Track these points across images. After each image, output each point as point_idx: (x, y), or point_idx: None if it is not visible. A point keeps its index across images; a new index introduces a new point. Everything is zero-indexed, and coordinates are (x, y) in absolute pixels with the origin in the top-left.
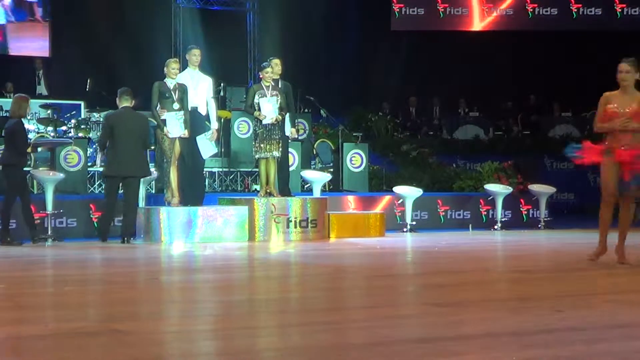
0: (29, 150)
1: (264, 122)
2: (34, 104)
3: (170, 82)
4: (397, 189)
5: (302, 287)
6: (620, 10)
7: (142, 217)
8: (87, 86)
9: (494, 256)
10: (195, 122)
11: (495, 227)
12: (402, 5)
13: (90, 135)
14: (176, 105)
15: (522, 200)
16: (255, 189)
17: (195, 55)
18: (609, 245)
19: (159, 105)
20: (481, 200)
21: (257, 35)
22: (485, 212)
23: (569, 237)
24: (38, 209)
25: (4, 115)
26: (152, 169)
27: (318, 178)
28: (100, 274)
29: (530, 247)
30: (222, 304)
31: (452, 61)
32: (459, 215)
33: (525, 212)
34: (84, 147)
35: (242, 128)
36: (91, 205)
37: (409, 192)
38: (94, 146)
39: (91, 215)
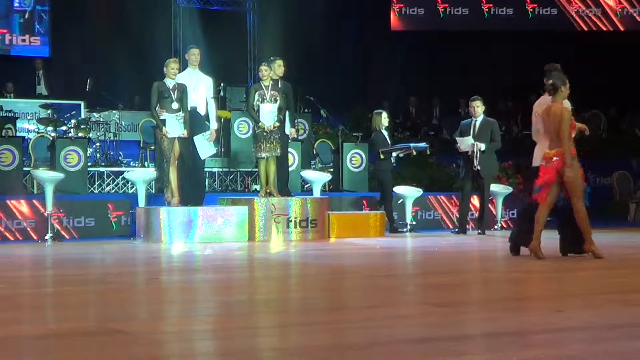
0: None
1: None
2: (34, 103)
3: (169, 82)
4: (397, 189)
5: (302, 287)
6: (620, 10)
7: (142, 217)
8: (87, 86)
9: (493, 256)
10: (195, 122)
11: (495, 227)
12: (402, 5)
13: (90, 135)
14: (175, 105)
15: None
16: (255, 189)
17: (194, 55)
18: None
19: (158, 105)
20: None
21: (257, 35)
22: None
23: None
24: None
25: (3, 115)
26: (152, 169)
27: (318, 178)
28: (100, 274)
29: None
30: (222, 304)
31: (452, 61)
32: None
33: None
34: (83, 147)
35: (242, 128)
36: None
37: (409, 192)
38: (94, 146)
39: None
